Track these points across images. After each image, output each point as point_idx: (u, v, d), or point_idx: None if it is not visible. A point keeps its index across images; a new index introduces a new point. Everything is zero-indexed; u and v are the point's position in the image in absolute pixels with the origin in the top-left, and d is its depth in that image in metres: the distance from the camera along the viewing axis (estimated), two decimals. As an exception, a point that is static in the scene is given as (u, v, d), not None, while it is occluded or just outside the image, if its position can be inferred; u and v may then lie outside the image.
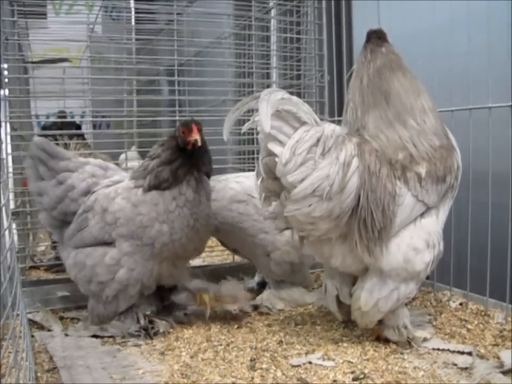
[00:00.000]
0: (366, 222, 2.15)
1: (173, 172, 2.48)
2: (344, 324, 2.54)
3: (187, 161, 2.50)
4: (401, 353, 2.23)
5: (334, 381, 2.02)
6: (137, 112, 3.72)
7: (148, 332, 2.52)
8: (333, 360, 2.19)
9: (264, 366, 2.16)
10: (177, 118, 3.38)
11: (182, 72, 3.89)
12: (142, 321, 2.54)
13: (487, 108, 2.58)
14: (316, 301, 2.78)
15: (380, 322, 2.32)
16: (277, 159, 2.13)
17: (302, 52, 3.81)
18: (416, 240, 2.21)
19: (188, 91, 3.73)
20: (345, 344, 2.35)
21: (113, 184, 2.60)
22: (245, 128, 2.28)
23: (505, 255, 2.51)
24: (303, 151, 2.10)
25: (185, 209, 2.48)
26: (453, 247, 2.57)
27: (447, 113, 2.73)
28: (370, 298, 2.22)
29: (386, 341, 2.33)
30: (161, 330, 2.53)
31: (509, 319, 2.53)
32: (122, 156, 3.72)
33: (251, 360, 2.21)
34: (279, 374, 2.09)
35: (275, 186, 2.23)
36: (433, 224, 2.27)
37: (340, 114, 2.91)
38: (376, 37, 2.45)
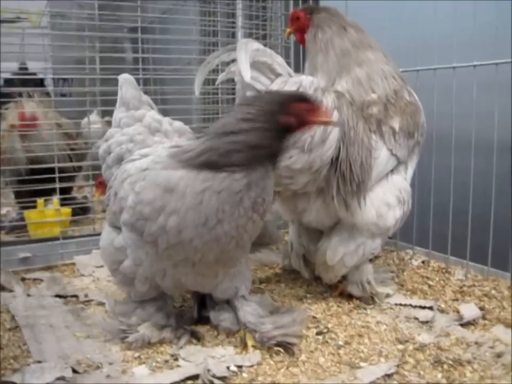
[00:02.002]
0: (345, 175, 2.14)
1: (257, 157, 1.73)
2: (308, 281, 2.57)
3: (276, 147, 1.76)
4: (364, 309, 2.28)
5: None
6: (100, 71, 3.62)
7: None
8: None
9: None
10: (140, 76, 3.30)
11: (146, 30, 3.80)
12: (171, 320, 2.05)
13: (452, 68, 2.59)
14: (281, 260, 2.79)
15: (344, 278, 2.35)
16: None
17: (268, 12, 3.76)
18: (389, 195, 2.23)
19: (152, 49, 3.64)
20: (309, 301, 2.37)
21: (138, 158, 2.01)
22: (219, 79, 2.24)
23: (466, 215, 2.56)
24: None
25: (213, 200, 1.71)
26: (416, 207, 2.60)
27: (412, 74, 2.74)
28: (336, 253, 2.24)
29: (350, 297, 2.37)
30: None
31: (469, 275, 2.60)
32: (85, 120, 3.63)
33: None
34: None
35: None
36: (402, 181, 2.30)
37: (306, 75, 2.89)
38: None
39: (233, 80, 3.73)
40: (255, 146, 1.70)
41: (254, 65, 2.09)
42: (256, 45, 2.12)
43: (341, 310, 2.27)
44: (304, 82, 2.12)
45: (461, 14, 2.59)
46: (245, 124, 1.70)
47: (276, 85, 2.10)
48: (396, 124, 2.24)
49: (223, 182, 1.69)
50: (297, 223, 2.50)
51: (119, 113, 2.33)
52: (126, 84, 2.36)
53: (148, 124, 2.22)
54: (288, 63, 3.49)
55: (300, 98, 1.78)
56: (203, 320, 2.14)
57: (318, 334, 2.05)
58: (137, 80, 3.28)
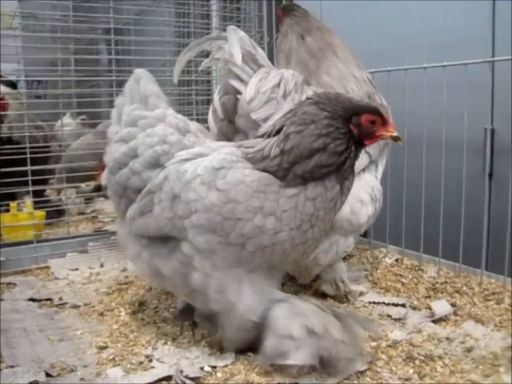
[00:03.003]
0: None
1: (332, 167, 1.75)
2: (283, 281, 2.57)
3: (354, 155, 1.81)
4: (338, 307, 2.29)
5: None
6: (74, 72, 3.60)
7: None
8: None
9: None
10: (113, 78, 3.29)
11: (121, 31, 3.79)
12: None
13: (422, 68, 2.63)
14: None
15: (318, 277, 2.37)
16: (239, 96, 2.11)
17: (242, 13, 3.79)
18: (362, 192, 2.25)
19: (127, 51, 3.63)
20: (284, 296, 2.39)
21: (193, 158, 1.89)
22: (203, 65, 2.25)
23: (438, 213, 2.59)
24: (267, 89, 2.09)
25: (308, 205, 1.74)
26: (389, 207, 2.63)
27: (383, 74, 2.77)
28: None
29: (324, 296, 2.39)
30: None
31: (441, 272, 2.64)
32: (59, 122, 3.61)
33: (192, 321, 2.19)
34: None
35: (229, 129, 2.20)
36: (373, 179, 2.33)
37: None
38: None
39: (208, 81, 3.75)
40: (341, 153, 1.73)
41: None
42: (242, 33, 2.13)
43: (315, 308, 2.29)
44: (286, 74, 2.13)
45: (431, 15, 2.63)
46: (324, 129, 1.72)
47: (259, 75, 2.10)
48: None
49: (315, 189, 1.74)
50: None
51: (133, 110, 2.08)
52: (145, 78, 2.12)
53: (175, 124, 2.03)
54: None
55: (372, 111, 1.80)
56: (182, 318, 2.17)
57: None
58: (111, 82, 3.29)
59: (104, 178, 2.11)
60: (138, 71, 2.15)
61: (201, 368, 1.80)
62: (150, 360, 1.88)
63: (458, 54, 2.52)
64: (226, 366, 1.83)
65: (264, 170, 1.75)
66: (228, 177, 1.75)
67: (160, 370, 1.79)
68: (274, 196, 1.71)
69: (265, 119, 2.08)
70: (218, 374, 1.78)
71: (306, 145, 1.72)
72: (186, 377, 1.73)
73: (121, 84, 3.35)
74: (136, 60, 3.53)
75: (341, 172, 1.75)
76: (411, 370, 1.77)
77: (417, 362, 1.82)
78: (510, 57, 2.34)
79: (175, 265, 1.85)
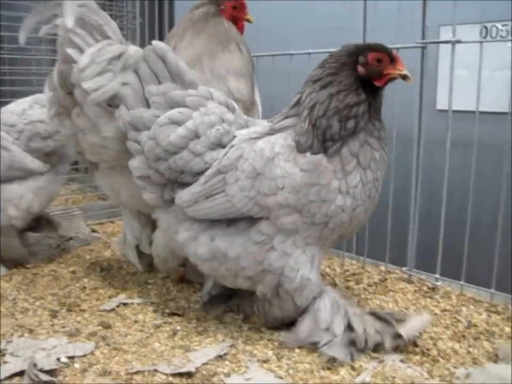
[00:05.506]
0: None
1: (358, 119, 1.79)
2: (151, 267, 2.56)
3: (371, 103, 1.82)
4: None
5: (135, 321, 2.05)
6: None
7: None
8: (137, 302, 2.21)
9: (64, 312, 2.12)
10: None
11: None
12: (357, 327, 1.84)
13: (307, 54, 2.66)
14: (119, 249, 2.74)
15: (184, 265, 2.36)
16: (74, 66, 2.02)
17: (114, -7, 3.66)
18: None
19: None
20: (149, 286, 2.38)
21: (261, 137, 1.87)
22: (43, 31, 2.13)
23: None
24: (103, 61, 2.01)
25: (368, 173, 1.82)
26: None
27: (268, 58, 2.79)
28: (166, 245, 2.19)
29: (190, 282, 2.40)
30: (386, 345, 1.83)
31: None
32: None
33: (51, 310, 2.14)
34: (79, 318, 2.06)
35: (68, 101, 2.11)
36: None
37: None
38: None
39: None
40: (355, 104, 1.78)
41: (82, 24, 2.03)
42: (90, 2, 2.05)
43: (181, 294, 2.30)
44: (130, 50, 2.05)
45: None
46: (329, 87, 1.79)
47: (99, 45, 2.02)
48: None
49: (365, 156, 1.80)
50: (129, 210, 2.39)
51: (171, 90, 1.89)
52: (171, 53, 1.92)
53: (225, 102, 1.93)
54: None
55: (378, 49, 1.81)
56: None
57: (156, 319, 2.06)
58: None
59: (136, 168, 1.94)
60: (160, 46, 1.92)
61: (58, 359, 1.74)
62: (3, 355, 1.78)
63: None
64: (85, 355, 1.78)
65: (301, 147, 1.79)
66: (308, 156, 1.78)
67: (12, 366, 1.70)
68: (342, 175, 1.78)
69: (96, 90, 2.00)
70: (76, 365, 1.73)
71: (326, 109, 1.78)
72: (41, 370, 1.66)
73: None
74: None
75: (368, 124, 1.80)
76: (270, 352, 1.82)
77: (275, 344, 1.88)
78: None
79: (247, 246, 1.81)
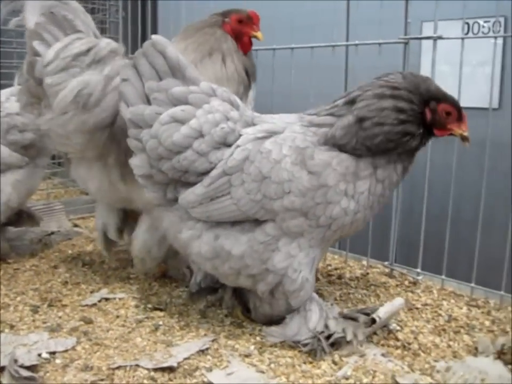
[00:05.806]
0: (121, 144, 2.01)
1: (401, 146, 1.79)
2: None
3: (420, 143, 1.84)
4: (187, 287, 2.29)
5: (117, 316, 2.04)
6: None
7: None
8: (119, 297, 2.20)
9: (45, 308, 2.10)
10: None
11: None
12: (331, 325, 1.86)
13: (290, 49, 2.66)
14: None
15: (165, 262, 2.35)
16: (39, 60, 2.00)
17: (97, -13, 3.63)
18: None
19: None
20: (131, 281, 2.38)
21: (268, 136, 1.83)
22: (12, 23, 2.12)
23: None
24: (68, 57, 1.99)
25: (378, 187, 1.83)
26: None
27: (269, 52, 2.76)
28: (143, 246, 2.20)
29: (171, 277, 2.40)
30: (348, 339, 1.82)
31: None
32: None
33: (32, 306, 2.12)
34: (61, 314, 2.05)
35: (39, 91, 2.08)
36: None
37: (133, 52, 2.83)
38: None
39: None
40: (406, 134, 1.77)
41: (52, 17, 2.01)
42: None
43: (163, 289, 2.30)
44: (101, 43, 2.04)
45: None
46: (398, 114, 1.76)
47: (67, 40, 2.00)
48: None
49: (384, 171, 1.81)
50: (103, 204, 2.37)
51: (172, 87, 1.83)
52: (171, 48, 1.85)
53: (228, 98, 1.87)
54: (116, 39, 3.45)
55: (450, 101, 1.81)
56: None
57: (138, 314, 2.05)
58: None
59: (138, 167, 1.88)
60: (159, 39, 1.85)
61: (39, 355, 1.73)
62: (-16, 351, 1.77)
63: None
64: (66, 351, 1.78)
65: (333, 140, 1.79)
66: (316, 158, 1.76)
67: (-7, 361, 1.69)
68: (352, 178, 1.78)
69: (58, 85, 1.98)
70: (57, 360, 1.72)
71: (384, 120, 1.76)
72: (22, 366, 1.65)
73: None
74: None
75: (405, 153, 1.82)
76: (252, 347, 1.82)
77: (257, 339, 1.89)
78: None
79: (252, 244, 1.78)
